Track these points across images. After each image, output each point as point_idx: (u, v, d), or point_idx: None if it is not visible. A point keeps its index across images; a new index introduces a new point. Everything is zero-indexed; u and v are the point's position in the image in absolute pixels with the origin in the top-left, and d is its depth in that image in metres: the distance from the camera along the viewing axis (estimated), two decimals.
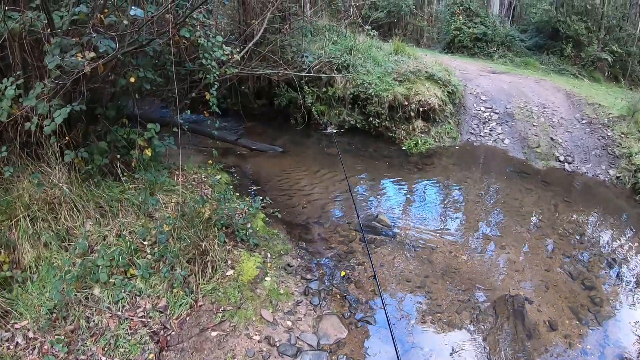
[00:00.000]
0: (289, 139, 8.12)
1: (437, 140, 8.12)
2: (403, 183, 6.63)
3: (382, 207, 5.77)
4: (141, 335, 3.25)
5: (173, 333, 3.35)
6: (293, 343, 3.42)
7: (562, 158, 7.56)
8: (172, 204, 4.37)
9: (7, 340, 3.09)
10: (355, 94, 8.22)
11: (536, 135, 8.04)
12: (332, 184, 6.31)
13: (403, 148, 7.86)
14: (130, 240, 3.86)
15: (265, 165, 6.91)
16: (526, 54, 13.66)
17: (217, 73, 4.90)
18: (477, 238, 5.23)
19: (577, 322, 3.95)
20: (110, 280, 3.52)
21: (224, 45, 4.96)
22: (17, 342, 3.09)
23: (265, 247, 4.49)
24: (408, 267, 4.54)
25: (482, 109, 8.82)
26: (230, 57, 5.06)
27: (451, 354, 3.52)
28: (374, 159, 7.47)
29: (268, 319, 3.57)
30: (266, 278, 4.01)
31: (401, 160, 7.46)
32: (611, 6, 13.16)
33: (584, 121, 8.36)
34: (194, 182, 5.28)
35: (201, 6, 4.54)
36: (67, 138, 3.97)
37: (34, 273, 3.56)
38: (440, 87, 8.39)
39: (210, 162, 5.30)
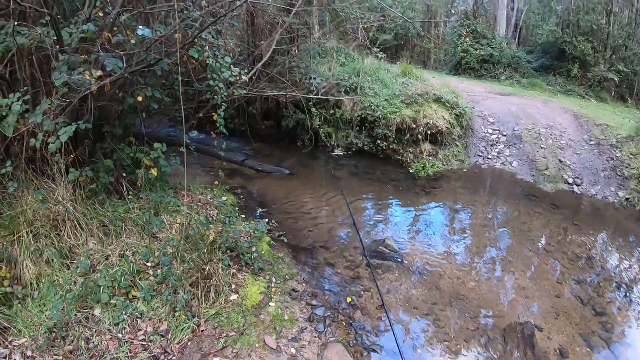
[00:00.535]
0: (296, 161, 8.09)
1: (444, 163, 8.08)
2: (410, 207, 6.55)
3: (390, 232, 5.68)
4: (141, 359, 3.17)
5: (174, 358, 3.26)
6: None
7: (570, 180, 7.48)
8: (177, 224, 4.32)
9: (4, 358, 3.03)
10: (362, 116, 8.25)
11: (544, 158, 7.97)
12: (338, 208, 6.24)
13: (410, 171, 7.82)
14: (133, 261, 3.81)
15: (272, 187, 6.86)
16: (533, 75, 13.74)
17: (225, 94, 4.90)
18: (485, 263, 5.12)
19: (588, 350, 3.83)
20: (112, 301, 3.46)
21: (232, 66, 4.97)
22: None
23: (270, 271, 4.40)
24: (415, 293, 4.43)
25: (490, 131, 8.79)
26: (238, 77, 5.07)
27: None
28: (382, 182, 7.40)
29: (272, 345, 3.47)
30: (270, 303, 3.92)
31: (409, 183, 7.39)
32: (617, 26, 13.26)
33: (592, 142, 8.30)
34: (199, 203, 5.24)
35: (210, 27, 4.56)
36: (72, 155, 3.97)
37: (34, 290, 3.51)
38: (448, 110, 8.38)
39: (216, 182, 5.27)
